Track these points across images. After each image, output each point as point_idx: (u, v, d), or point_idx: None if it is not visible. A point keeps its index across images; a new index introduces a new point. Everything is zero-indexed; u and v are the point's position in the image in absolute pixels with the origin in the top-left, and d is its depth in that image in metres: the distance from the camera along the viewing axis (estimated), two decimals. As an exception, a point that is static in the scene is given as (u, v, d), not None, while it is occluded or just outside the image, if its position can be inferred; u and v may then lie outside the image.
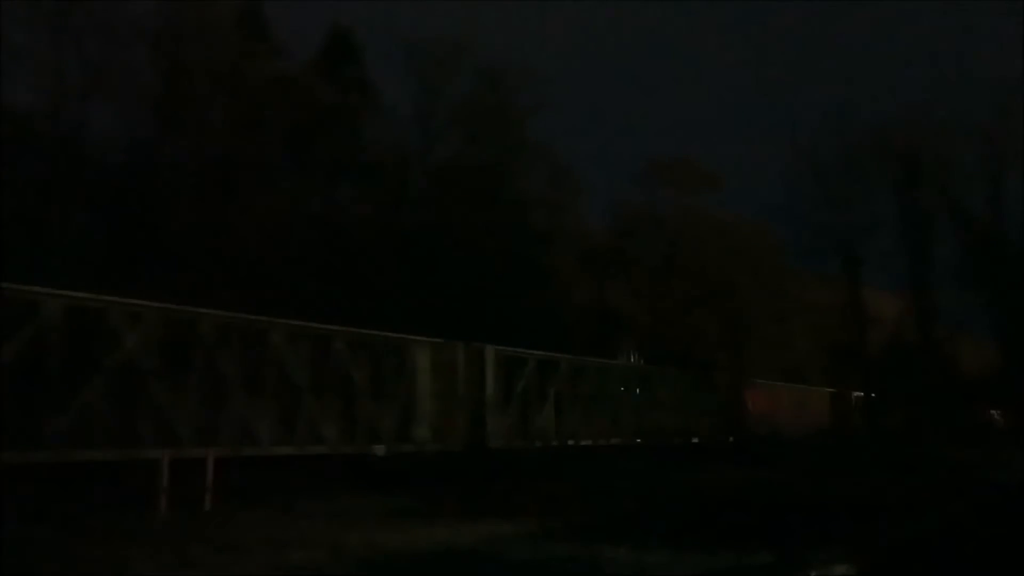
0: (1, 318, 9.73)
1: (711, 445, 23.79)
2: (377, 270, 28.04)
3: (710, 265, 40.13)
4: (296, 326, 13.62)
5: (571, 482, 14.83)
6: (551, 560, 8.06)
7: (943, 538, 10.62)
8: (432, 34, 35.07)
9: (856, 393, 36.86)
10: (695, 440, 23.24)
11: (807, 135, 50.03)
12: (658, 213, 42.60)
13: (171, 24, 26.96)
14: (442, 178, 33.27)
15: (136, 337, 11.19)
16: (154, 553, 7.53)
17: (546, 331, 27.19)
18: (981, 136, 44.34)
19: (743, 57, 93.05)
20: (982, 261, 44.84)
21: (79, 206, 24.53)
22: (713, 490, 15.16)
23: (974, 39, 70.14)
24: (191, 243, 24.45)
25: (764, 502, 13.43)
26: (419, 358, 15.36)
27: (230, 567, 7.26)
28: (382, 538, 8.65)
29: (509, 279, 30.88)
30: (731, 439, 25.27)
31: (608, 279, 38.63)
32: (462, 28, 62.80)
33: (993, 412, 42.35)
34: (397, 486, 12.60)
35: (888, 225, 46.10)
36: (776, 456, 22.65)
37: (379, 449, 13.54)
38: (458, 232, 30.71)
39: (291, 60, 30.81)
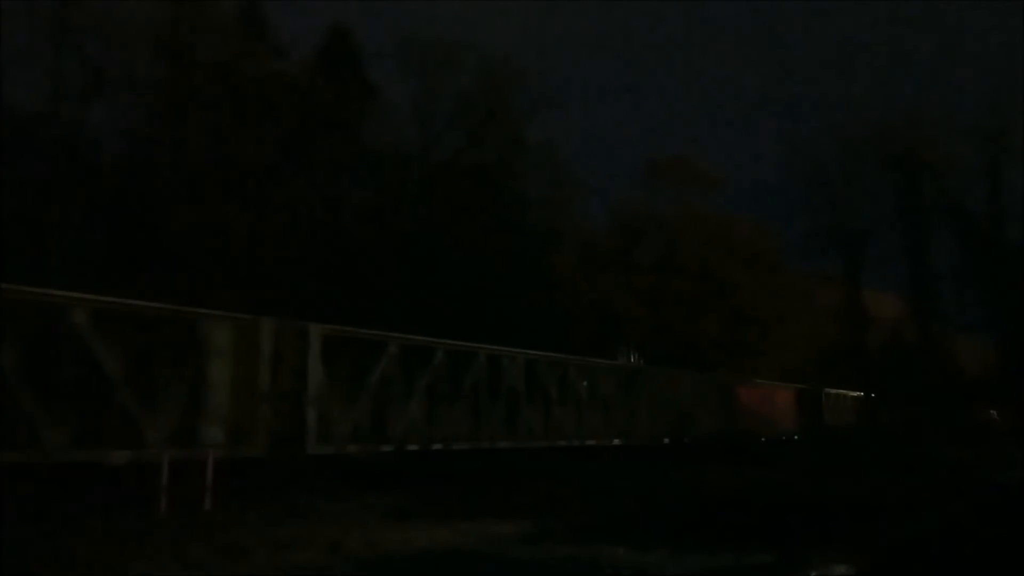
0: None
1: (651, 446, 21.07)
2: (377, 270, 28.07)
3: (710, 265, 40.18)
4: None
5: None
6: (551, 559, 8.07)
7: (943, 538, 10.62)
8: (432, 34, 35.13)
9: (848, 392, 36.43)
10: (617, 442, 20.03)
11: (807, 135, 50.26)
12: (658, 213, 42.71)
13: (171, 24, 26.98)
14: (442, 178, 33.30)
15: None
16: (154, 553, 7.53)
17: (546, 331, 27.22)
18: (981, 136, 44.46)
19: (743, 57, 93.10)
20: (982, 261, 44.93)
21: (79, 206, 24.55)
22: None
23: (974, 39, 70.20)
24: (191, 243, 24.47)
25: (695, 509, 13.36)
26: (214, 338, 11.89)
27: (230, 567, 7.26)
28: (382, 538, 8.66)
29: (509, 279, 30.91)
30: (666, 440, 21.94)
31: (608, 279, 38.66)
32: (462, 28, 62.92)
33: (993, 412, 42.34)
34: (398, 486, 12.59)
35: (888, 225, 46.29)
36: (740, 457, 20.94)
37: (120, 456, 10.30)
38: (458, 232, 30.74)
39: (291, 60, 30.87)
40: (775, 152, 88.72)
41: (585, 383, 19.67)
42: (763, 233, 43.63)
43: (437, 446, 15.08)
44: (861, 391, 38.41)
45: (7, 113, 23.07)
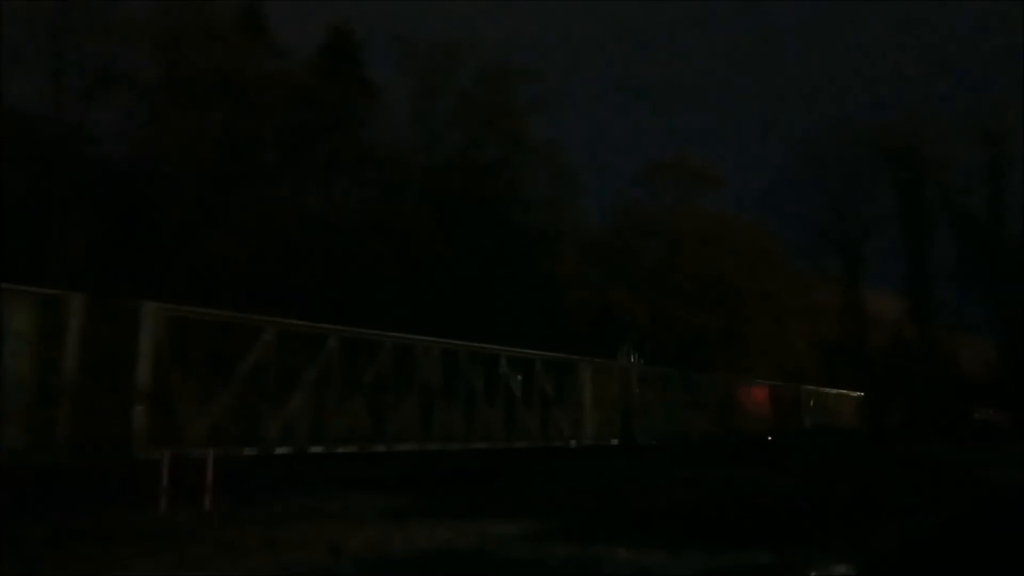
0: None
1: (595, 448, 18.78)
2: (376, 270, 28.06)
3: (710, 265, 40.17)
4: None
5: None
6: (551, 560, 8.07)
7: (943, 538, 10.62)
8: (432, 34, 35.14)
9: (831, 391, 35.54)
10: (558, 443, 17.91)
11: (808, 135, 50.24)
12: (658, 213, 42.69)
13: (171, 24, 26.98)
14: (442, 178, 33.28)
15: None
16: (154, 553, 7.53)
17: (545, 331, 27.20)
18: (981, 136, 44.46)
19: (743, 57, 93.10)
20: (982, 261, 44.92)
21: (79, 206, 24.55)
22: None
23: (974, 39, 70.24)
24: (190, 242, 24.47)
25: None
26: (14, 319, 9.62)
27: (230, 567, 7.26)
28: (382, 538, 8.65)
29: (509, 279, 30.90)
30: (614, 442, 19.56)
31: (608, 279, 38.66)
32: (462, 28, 62.90)
33: (993, 412, 42.33)
34: (397, 486, 12.57)
35: (888, 225, 46.29)
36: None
37: None
38: (458, 231, 30.73)
39: (291, 60, 30.90)
40: (775, 152, 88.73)
41: (520, 377, 17.01)
42: (763, 233, 43.64)
43: (317, 449, 12.87)
44: (861, 391, 38.37)
45: (7, 113, 23.06)
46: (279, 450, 12.40)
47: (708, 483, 15.77)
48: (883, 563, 8.75)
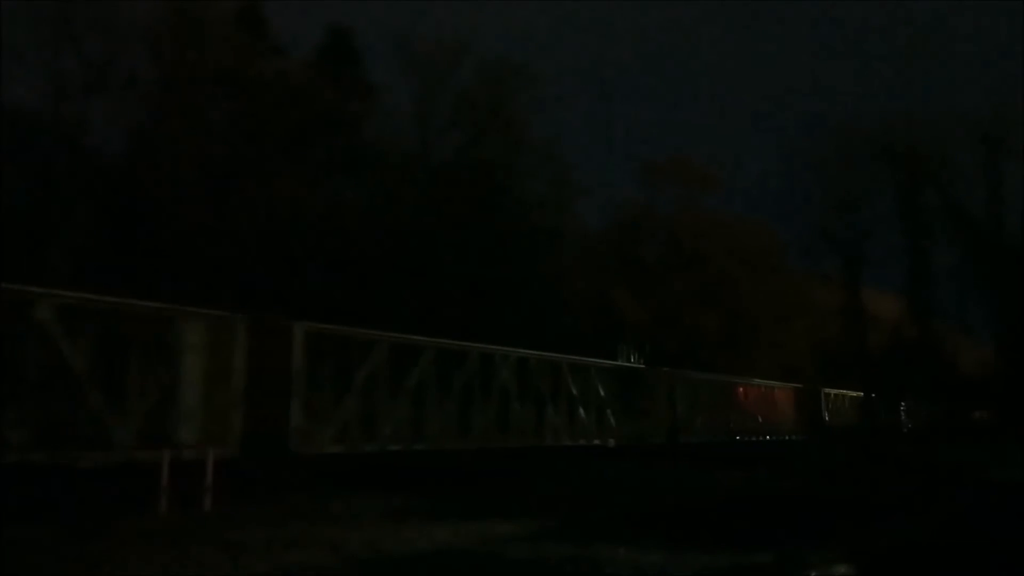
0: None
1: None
2: (377, 270, 28.06)
3: (710, 265, 40.20)
4: None
5: None
6: (551, 560, 8.06)
7: (943, 538, 10.62)
8: (432, 34, 35.13)
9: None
10: (421, 447, 14.18)
11: (807, 135, 50.28)
12: (658, 213, 42.76)
13: (171, 24, 26.99)
14: (442, 178, 33.28)
15: None
16: (154, 553, 7.53)
17: (545, 331, 27.20)
18: (981, 136, 44.46)
19: (743, 57, 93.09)
20: (982, 261, 44.94)
21: (79, 205, 24.56)
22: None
23: (974, 39, 70.23)
24: (191, 242, 24.47)
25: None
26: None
27: (230, 567, 7.25)
28: (383, 538, 8.65)
29: (509, 279, 30.89)
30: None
31: (608, 279, 38.66)
32: (462, 28, 62.89)
33: (992, 411, 42.31)
34: (398, 486, 12.56)
35: (888, 225, 46.34)
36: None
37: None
38: (458, 232, 30.73)
39: (291, 60, 30.90)
40: (775, 152, 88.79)
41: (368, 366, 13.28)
42: (763, 233, 43.68)
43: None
44: (861, 391, 38.35)
45: (7, 113, 23.07)
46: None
47: (707, 484, 15.77)
48: (883, 563, 8.75)
